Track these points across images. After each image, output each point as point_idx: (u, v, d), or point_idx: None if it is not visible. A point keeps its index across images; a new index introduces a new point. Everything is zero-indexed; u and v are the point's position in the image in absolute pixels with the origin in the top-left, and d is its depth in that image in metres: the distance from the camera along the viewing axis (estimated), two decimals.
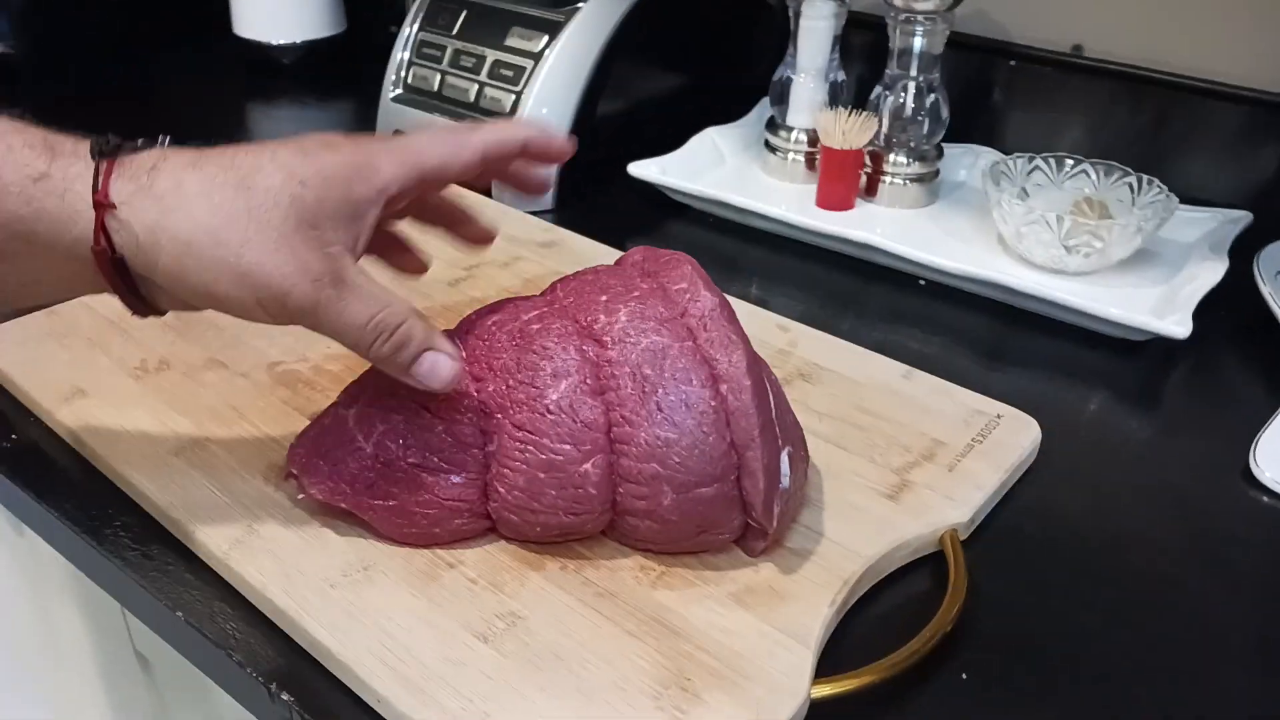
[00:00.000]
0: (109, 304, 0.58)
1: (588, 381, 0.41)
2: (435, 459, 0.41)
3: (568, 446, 0.40)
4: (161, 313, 0.39)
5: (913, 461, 0.48)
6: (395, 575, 0.41)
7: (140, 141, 0.36)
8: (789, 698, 0.36)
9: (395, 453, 0.42)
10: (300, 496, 0.43)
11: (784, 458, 0.42)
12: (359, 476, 0.42)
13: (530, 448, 0.40)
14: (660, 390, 0.40)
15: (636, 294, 0.43)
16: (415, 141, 0.40)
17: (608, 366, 0.41)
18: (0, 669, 0.82)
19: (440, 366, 0.39)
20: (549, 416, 0.40)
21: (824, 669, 0.39)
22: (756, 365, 0.42)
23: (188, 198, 0.34)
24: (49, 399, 0.51)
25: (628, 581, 0.41)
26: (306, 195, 0.35)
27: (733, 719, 0.35)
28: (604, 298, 0.43)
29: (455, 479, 0.41)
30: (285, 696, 0.38)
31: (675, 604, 0.40)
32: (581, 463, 0.40)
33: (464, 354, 0.42)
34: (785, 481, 0.41)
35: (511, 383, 0.41)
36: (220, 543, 0.42)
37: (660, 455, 0.39)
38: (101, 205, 0.34)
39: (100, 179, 0.34)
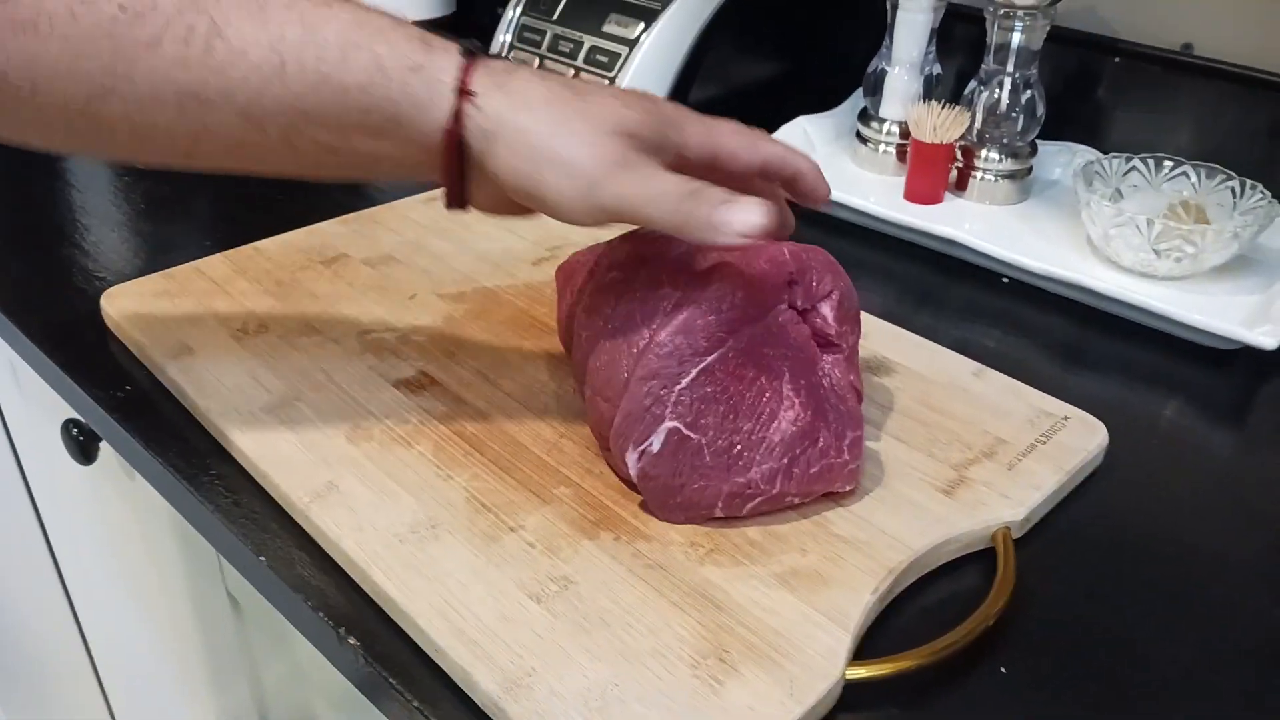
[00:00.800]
0: (217, 268, 0.63)
1: None
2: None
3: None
4: (469, 209, 0.45)
5: (972, 458, 0.49)
6: (460, 535, 0.43)
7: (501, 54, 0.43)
8: (822, 677, 0.38)
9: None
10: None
11: (661, 429, 0.43)
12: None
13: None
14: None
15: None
16: (720, 125, 0.44)
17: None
18: (113, 602, 0.89)
19: (751, 211, 0.40)
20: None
21: (865, 654, 0.40)
22: (721, 352, 0.44)
23: (533, 98, 0.40)
24: (159, 354, 0.55)
25: (677, 556, 0.43)
26: (631, 115, 0.41)
27: (766, 693, 0.37)
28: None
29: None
30: (353, 641, 0.41)
31: (721, 580, 0.42)
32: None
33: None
34: (655, 446, 0.43)
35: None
36: (302, 495, 0.45)
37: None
38: (463, 93, 0.40)
39: (464, 73, 0.40)
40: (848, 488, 0.46)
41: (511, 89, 0.40)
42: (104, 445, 0.68)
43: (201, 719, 0.83)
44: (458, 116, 0.40)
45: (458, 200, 0.44)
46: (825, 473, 0.45)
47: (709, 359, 0.43)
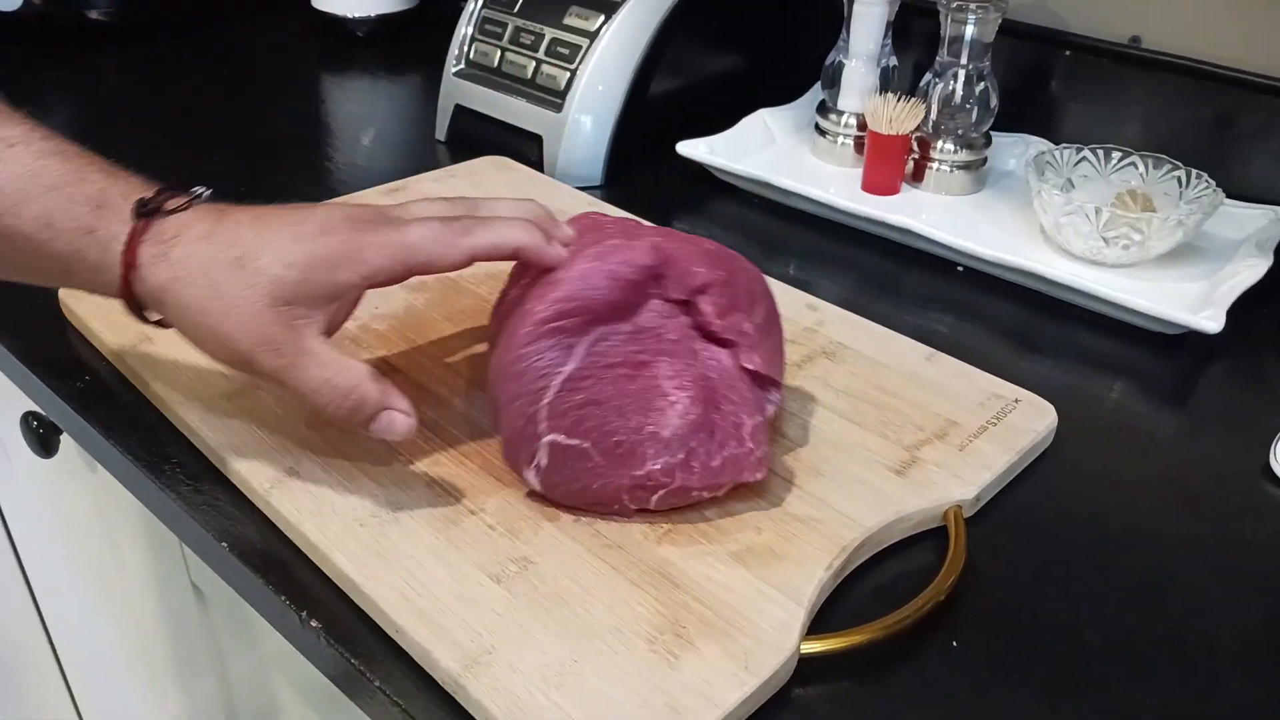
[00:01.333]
0: None
1: None
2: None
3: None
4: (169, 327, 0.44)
5: (924, 440, 0.50)
6: (420, 518, 0.44)
7: (179, 200, 0.42)
8: (777, 651, 0.38)
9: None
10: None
11: (542, 444, 0.43)
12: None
13: None
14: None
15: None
16: (409, 235, 0.42)
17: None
18: (77, 595, 0.88)
19: (395, 422, 0.43)
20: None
21: (819, 629, 0.41)
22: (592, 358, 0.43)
23: (192, 270, 0.40)
24: (119, 343, 0.55)
25: (635, 536, 0.43)
26: (289, 276, 0.40)
27: (722, 667, 0.38)
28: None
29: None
30: (315, 624, 0.42)
31: (677, 559, 0.42)
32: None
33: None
34: (542, 461, 0.43)
35: None
36: (263, 481, 0.46)
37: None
38: (129, 265, 0.41)
39: (133, 239, 0.41)
40: (757, 476, 0.44)
41: (173, 259, 0.40)
42: (64, 438, 0.68)
43: (168, 712, 0.83)
44: (126, 283, 0.41)
45: (155, 325, 0.44)
46: (729, 464, 0.44)
47: (568, 367, 0.42)
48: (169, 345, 0.55)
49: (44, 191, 0.40)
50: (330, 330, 0.43)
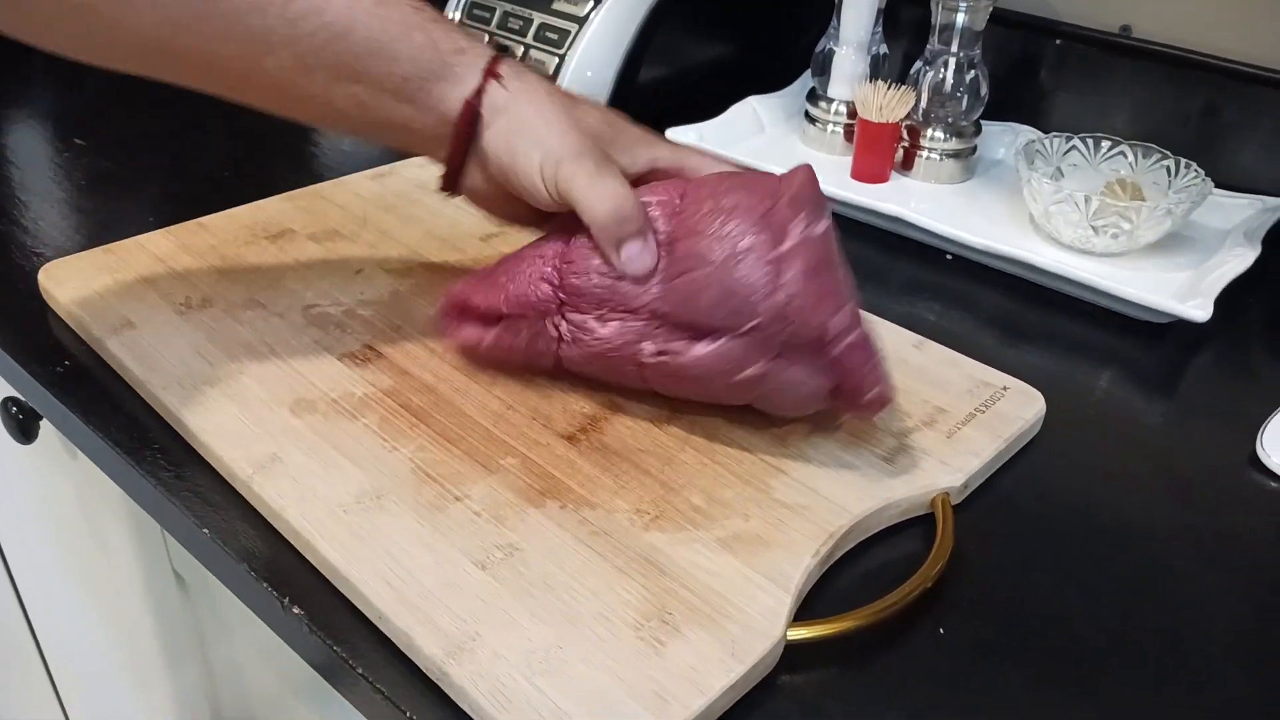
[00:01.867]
0: (160, 243, 0.62)
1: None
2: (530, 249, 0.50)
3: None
4: (458, 193, 0.52)
5: (912, 427, 0.50)
6: (405, 505, 0.44)
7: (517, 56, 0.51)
8: (763, 638, 0.38)
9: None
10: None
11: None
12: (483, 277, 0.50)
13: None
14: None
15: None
16: (686, 150, 0.52)
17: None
18: (59, 584, 0.88)
19: (646, 255, 0.46)
20: None
21: (806, 616, 0.41)
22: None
23: (537, 96, 0.48)
24: (99, 328, 0.54)
25: (622, 523, 0.43)
26: (604, 132, 0.49)
27: (708, 653, 0.37)
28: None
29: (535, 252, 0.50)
30: (297, 610, 0.41)
31: (664, 545, 0.42)
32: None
33: None
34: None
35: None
36: (245, 467, 0.45)
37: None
38: (489, 74, 0.48)
39: (494, 62, 0.48)
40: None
41: (521, 85, 0.48)
42: (44, 424, 0.67)
43: (153, 701, 0.82)
44: (480, 91, 0.47)
45: (452, 179, 0.51)
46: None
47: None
48: (150, 330, 0.54)
49: (430, 22, 0.47)
50: None
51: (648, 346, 0.46)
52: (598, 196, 0.46)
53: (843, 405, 0.47)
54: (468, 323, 0.51)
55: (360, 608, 0.40)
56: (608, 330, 0.47)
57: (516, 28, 0.81)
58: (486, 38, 0.52)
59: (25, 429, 0.67)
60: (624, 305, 0.46)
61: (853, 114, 0.79)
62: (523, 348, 0.50)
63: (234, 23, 0.44)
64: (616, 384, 0.50)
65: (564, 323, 0.48)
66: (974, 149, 0.78)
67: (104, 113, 0.87)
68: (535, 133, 0.47)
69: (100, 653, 0.87)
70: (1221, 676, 0.41)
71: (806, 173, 0.46)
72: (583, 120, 0.48)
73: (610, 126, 0.50)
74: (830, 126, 0.82)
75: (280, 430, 0.47)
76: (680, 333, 0.46)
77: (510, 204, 0.51)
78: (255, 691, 0.65)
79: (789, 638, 0.39)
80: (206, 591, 0.62)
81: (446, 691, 0.37)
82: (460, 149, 0.49)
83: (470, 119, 0.48)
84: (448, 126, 0.48)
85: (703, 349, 0.45)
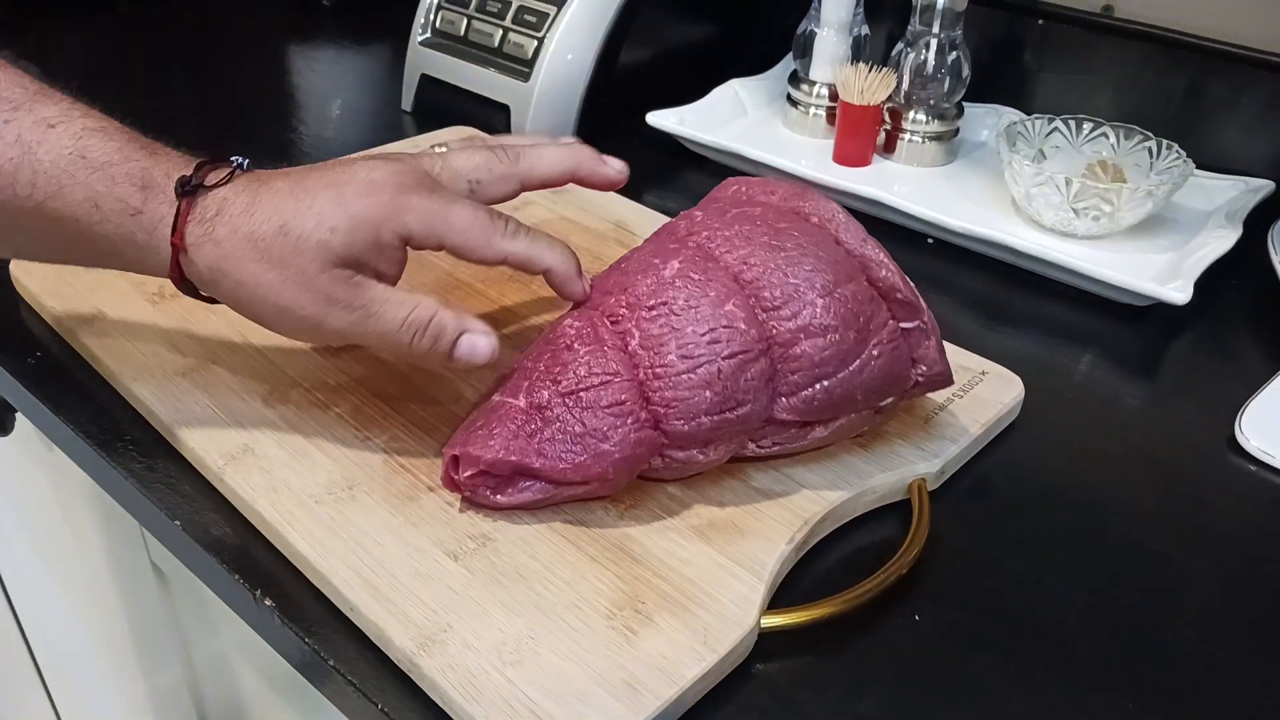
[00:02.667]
0: None
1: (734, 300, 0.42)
2: (587, 380, 0.41)
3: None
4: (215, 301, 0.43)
5: (889, 412, 0.49)
6: (377, 495, 0.43)
7: (219, 174, 0.41)
8: (737, 626, 0.38)
9: (548, 393, 0.42)
10: (468, 476, 0.41)
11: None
12: (521, 427, 0.41)
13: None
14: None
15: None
16: (454, 215, 0.42)
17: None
18: (40, 577, 0.87)
19: (478, 345, 0.42)
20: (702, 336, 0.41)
21: (782, 603, 0.41)
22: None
23: (239, 247, 0.40)
24: (71, 320, 0.54)
25: (596, 511, 0.43)
26: (334, 240, 0.40)
27: (681, 642, 0.37)
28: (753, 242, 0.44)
29: (608, 391, 0.41)
30: (268, 602, 0.41)
31: (639, 534, 0.42)
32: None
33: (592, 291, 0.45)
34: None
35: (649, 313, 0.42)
36: (217, 458, 0.45)
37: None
38: (176, 247, 0.40)
39: (179, 221, 0.40)
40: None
41: (219, 237, 0.40)
42: (21, 417, 0.67)
43: (136, 695, 0.82)
44: (175, 265, 0.40)
45: (207, 302, 0.44)
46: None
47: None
48: (122, 321, 0.53)
49: (89, 173, 0.39)
50: (389, 280, 0.42)
51: (756, 447, 0.45)
52: (381, 339, 0.41)
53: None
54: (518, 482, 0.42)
55: (331, 599, 0.40)
56: (716, 454, 0.43)
57: (495, 10, 0.80)
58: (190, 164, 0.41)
59: (1, 421, 0.66)
60: (743, 431, 0.43)
61: (834, 96, 0.79)
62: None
63: None
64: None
65: (661, 459, 0.43)
66: (956, 131, 0.77)
67: (76, 98, 0.86)
68: (266, 302, 0.40)
69: (83, 647, 0.87)
70: (1195, 656, 0.41)
71: (843, 218, 0.46)
72: (306, 249, 0.39)
73: (336, 232, 0.40)
74: (812, 109, 0.81)
75: (252, 420, 0.47)
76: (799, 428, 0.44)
77: None
78: (238, 685, 0.65)
79: (763, 625, 0.39)
80: (186, 585, 0.62)
81: (418, 683, 0.37)
82: (196, 296, 0.43)
83: (183, 285, 0.41)
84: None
85: (822, 431, 0.45)
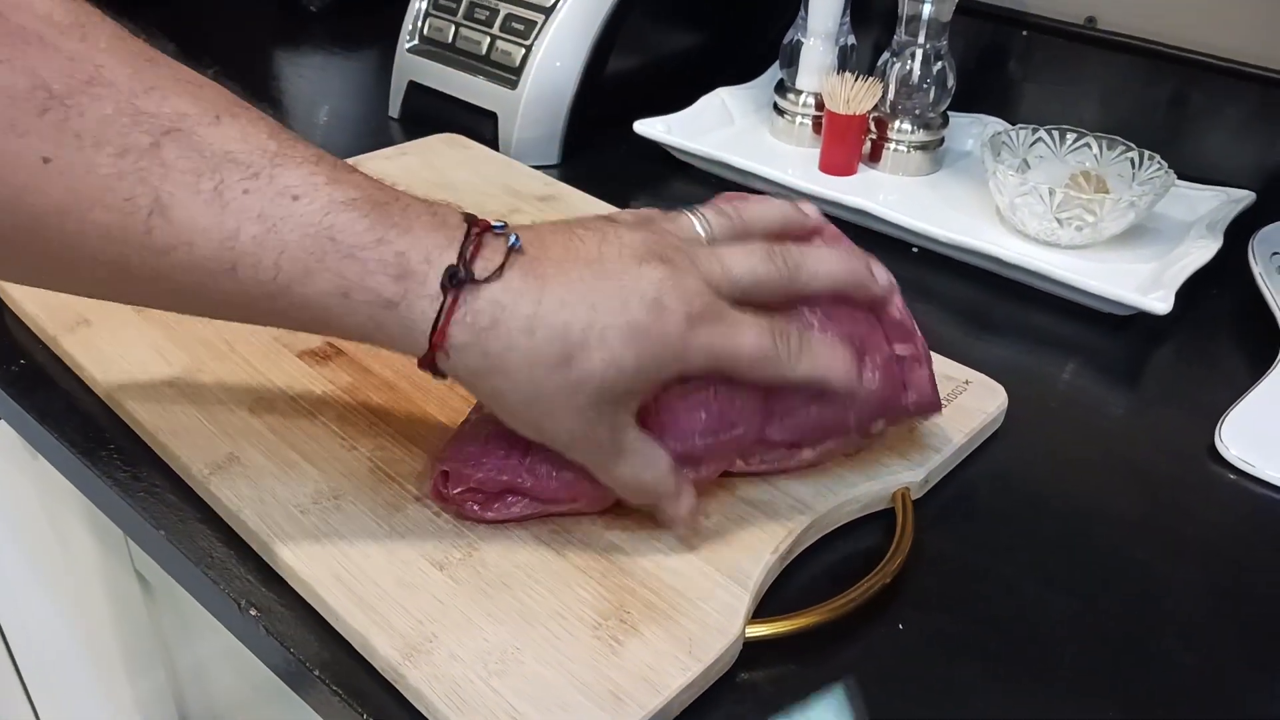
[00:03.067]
0: None
1: None
2: None
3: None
4: None
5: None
6: (363, 504, 0.43)
7: (491, 259, 0.36)
8: (722, 635, 0.38)
9: None
10: (457, 492, 0.42)
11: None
12: (512, 447, 0.41)
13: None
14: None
15: None
16: (742, 341, 0.39)
17: None
18: (23, 585, 0.87)
19: (681, 512, 0.41)
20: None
21: (766, 613, 0.41)
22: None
23: (512, 366, 0.36)
24: (55, 326, 0.53)
25: (582, 522, 0.43)
26: (619, 383, 0.37)
27: (666, 652, 0.37)
28: None
29: None
30: (254, 612, 0.41)
31: (624, 543, 0.42)
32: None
33: None
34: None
35: None
36: (202, 467, 0.45)
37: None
38: (437, 347, 0.35)
39: (442, 319, 0.35)
40: None
41: (490, 349, 0.35)
42: (4, 425, 0.66)
43: (120, 705, 0.82)
44: (433, 361, 0.36)
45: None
46: None
47: None
48: (107, 329, 0.53)
49: (338, 259, 0.34)
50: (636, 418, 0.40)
51: (745, 464, 0.45)
52: (625, 487, 0.40)
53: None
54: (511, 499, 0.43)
55: (317, 608, 0.40)
56: (706, 471, 0.43)
57: (483, 18, 0.81)
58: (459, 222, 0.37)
59: None
60: (735, 451, 0.43)
61: (821, 106, 0.79)
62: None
63: (80, 247, 0.33)
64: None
65: None
66: (941, 141, 0.78)
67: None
68: (521, 417, 0.38)
69: (66, 654, 0.86)
70: (1179, 662, 0.41)
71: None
72: (582, 383, 0.36)
73: (621, 368, 0.36)
74: (799, 118, 0.81)
75: (238, 430, 0.47)
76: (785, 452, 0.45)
77: None
78: (221, 693, 0.64)
79: (747, 635, 0.39)
80: (170, 594, 0.62)
81: (403, 693, 0.37)
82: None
83: (437, 375, 0.37)
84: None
85: (810, 453, 0.45)
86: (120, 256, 0.33)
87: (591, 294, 0.36)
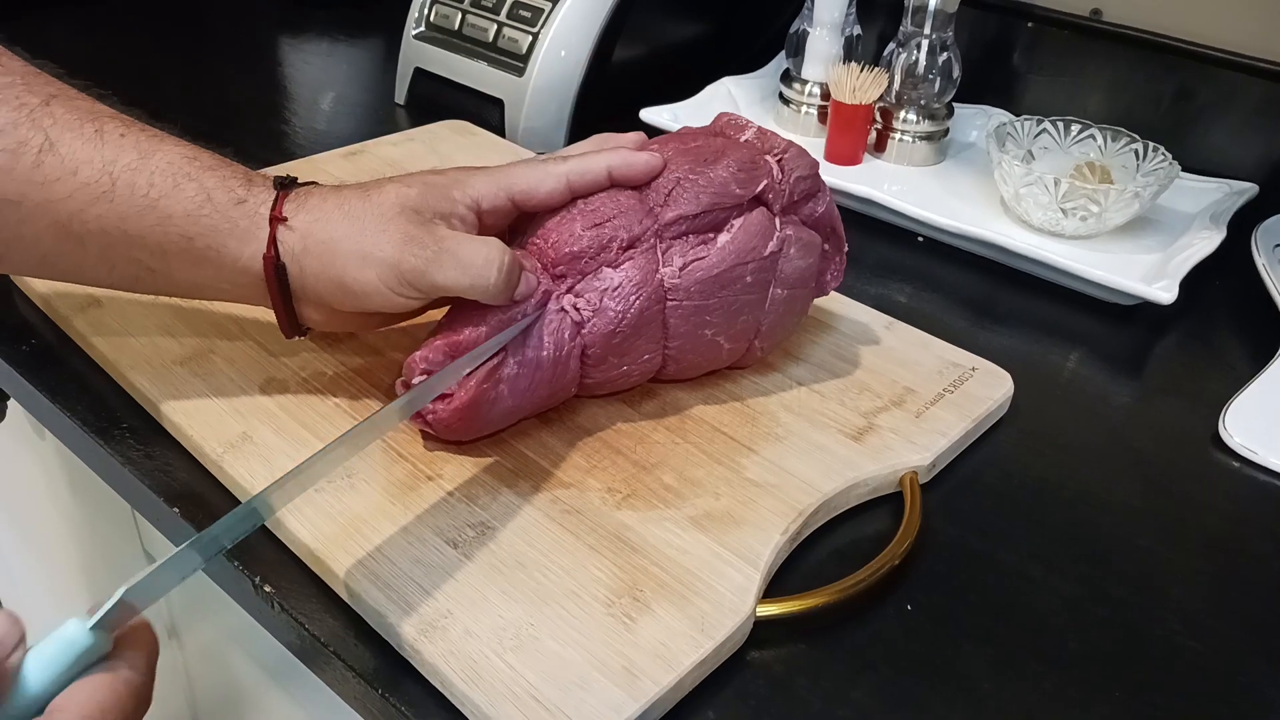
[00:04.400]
0: None
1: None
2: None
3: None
4: (304, 332, 0.47)
5: (882, 407, 0.50)
6: (376, 484, 0.44)
7: (304, 182, 0.46)
8: (733, 614, 0.39)
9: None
10: (422, 370, 0.43)
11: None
12: (445, 326, 0.45)
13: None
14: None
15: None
16: (509, 167, 0.46)
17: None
18: (28, 565, 0.87)
19: (529, 281, 0.44)
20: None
21: (776, 592, 0.41)
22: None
23: (329, 211, 0.44)
24: (67, 306, 0.53)
25: (594, 501, 0.43)
26: (411, 194, 0.44)
27: (679, 629, 0.38)
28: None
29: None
30: (268, 589, 0.41)
31: (636, 523, 0.42)
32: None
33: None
34: None
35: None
36: (215, 445, 0.45)
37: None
38: (276, 219, 0.43)
39: (278, 202, 0.44)
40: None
41: (310, 207, 0.44)
42: (12, 404, 0.66)
43: None
44: (273, 241, 0.43)
45: (290, 326, 0.46)
46: None
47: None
48: (119, 310, 0.53)
49: (202, 171, 0.43)
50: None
51: (672, 264, 0.46)
52: (461, 273, 0.42)
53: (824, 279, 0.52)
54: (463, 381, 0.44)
55: (332, 586, 0.40)
56: (623, 273, 0.45)
57: (490, 5, 0.81)
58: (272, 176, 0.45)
59: None
60: (629, 235, 0.45)
61: (826, 96, 0.79)
62: (543, 359, 0.45)
63: None
64: (635, 383, 0.49)
65: (573, 298, 0.45)
66: (946, 131, 0.78)
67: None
68: (350, 254, 0.42)
69: None
70: (1180, 646, 0.42)
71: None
72: (384, 202, 0.43)
73: (409, 188, 0.44)
74: (804, 108, 0.82)
75: (251, 409, 0.47)
76: (695, 237, 0.46)
77: (372, 319, 0.47)
78: (231, 671, 0.65)
79: (758, 614, 0.39)
80: None
81: (419, 669, 0.37)
82: (281, 301, 0.45)
83: (277, 274, 0.43)
84: (256, 283, 0.44)
85: (725, 236, 0.46)
86: (10, 190, 0.41)
87: (379, 183, 0.45)
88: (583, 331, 0.45)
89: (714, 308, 0.47)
